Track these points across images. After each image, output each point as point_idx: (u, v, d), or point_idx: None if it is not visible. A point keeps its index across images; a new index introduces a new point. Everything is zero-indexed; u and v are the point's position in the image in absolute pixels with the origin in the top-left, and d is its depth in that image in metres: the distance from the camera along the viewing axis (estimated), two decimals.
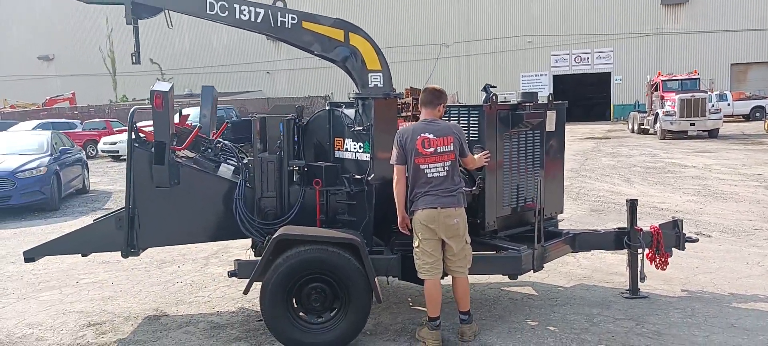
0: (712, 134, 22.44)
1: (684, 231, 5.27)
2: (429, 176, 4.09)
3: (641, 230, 5.11)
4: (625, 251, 5.23)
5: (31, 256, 4.64)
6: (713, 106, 23.12)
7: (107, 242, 4.63)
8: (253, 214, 4.75)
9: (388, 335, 4.51)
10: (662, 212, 8.79)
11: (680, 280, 5.51)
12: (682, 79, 24.30)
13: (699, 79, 24.35)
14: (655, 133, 23.65)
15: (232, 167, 5.07)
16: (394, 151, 4.15)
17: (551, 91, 37.23)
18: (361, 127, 4.66)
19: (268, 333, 4.58)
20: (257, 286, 4.28)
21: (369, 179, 4.60)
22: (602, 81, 40.33)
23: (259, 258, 4.54)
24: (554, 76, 40.86)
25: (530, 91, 5.27)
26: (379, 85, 4.63)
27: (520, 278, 5.01)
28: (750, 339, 4.19)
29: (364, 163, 4.68)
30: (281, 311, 4.24)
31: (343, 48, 4.60)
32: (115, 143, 22.48)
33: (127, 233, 4.53)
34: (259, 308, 5.10)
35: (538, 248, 4.71)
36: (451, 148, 4.10)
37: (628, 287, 5.21)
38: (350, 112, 4.86)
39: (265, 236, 4.69)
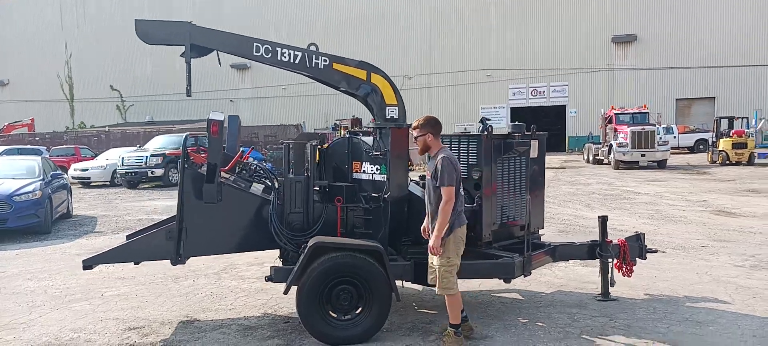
0: (661, 165, 24.07)
1: (646, 243, 6.21)
2: (462, 195, 4.82)
3: (611, 242, 6.03)
4: (597, 261, 6.14)
5: (89, 264, 5.22)
6: (661, 138, 24.82)
7: (158, 251, 5.24)
8: (283, 227, 5.45)
9: (402, 331, 5.25)
10: (622, 232, 9.80)
11: (642, 286, 6.43)
12: (633, 113, 26.00)
13: (648, 112, 26.11)
14: (609, 163, 25.18)
15: (262, 186, 5.78)
16: (451, 174, 4.61)
17: (510, 123, 38.92)
18: (378, 152, 5.46)
19: (297, 332, 5.28)
20: (285, 290, 4.95)
21: (386, 196, 5.39)
22: (558, 113, 42.23)
23: (292, 265, 5.28)
24: (512, 109, 42.59)
25: (518, 123, 6.16)
26: (395, 116, 5.44)
27: (508, 284, 5.85)
28: (702, 329, 5.11)
29: (380, 183, 5.46)
30: (315, 309, 4.95)
31: (366, 85, 5.41)
32: (86, 170, 22.56)
33: (176, 244, 5.17)
34: (282, 313, 5.85)
35: (526, 257, 5.57)
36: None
37: (600, 292, 6.09)
38: (367, 139, 5.67)
39: (295, 245, 5.41)
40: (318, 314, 4.96)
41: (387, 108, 5.44)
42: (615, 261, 6.06)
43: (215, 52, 5.29)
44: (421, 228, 5.06)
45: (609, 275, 6.02)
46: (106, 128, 41.41)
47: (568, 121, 42.14)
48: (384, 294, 4.99)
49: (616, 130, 24.97)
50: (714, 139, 26.89)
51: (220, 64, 5.26)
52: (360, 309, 5.06)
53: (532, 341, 4.92)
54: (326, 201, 5.61)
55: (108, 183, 22.23)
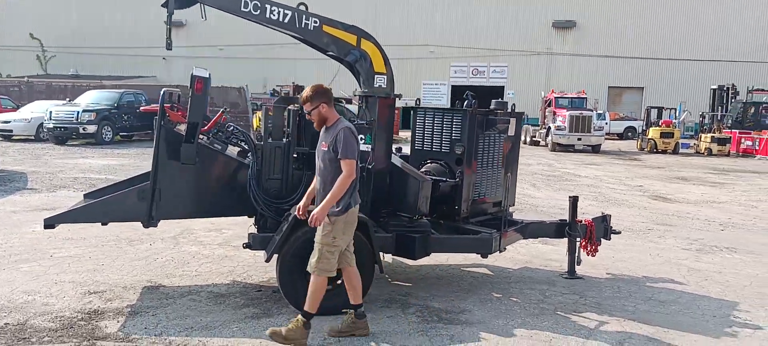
0: (595, 149, 25.05)
1: (611, 225, 6.43)
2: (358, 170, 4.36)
3: (580, 222, 6.20)
4: (564, 239, 6.31)
5: (51, 223, 4.85)
6: (596, 124, 25.79)
7: (130, 212, 4.94)
8: (262, 192, 5.26)
9: (380, 303, 5.21)
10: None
11: (603, 266, 6.66)
12: (571, 98, 26.84)
13: (586, 98, 27.02)
14: (545, 145, 25.96)
15: (237, 150, 5.54)
16: (353, 146, 4.13)
17: (449, 100, 39.39)
18: (364, 122, 5.34)
19: (273, 300, 5.15)
20: (267, 258, 4.79)
21: (370, 166, 5.29)
22: (496, 94, 42.96)
23: (268, 232, 5.13)
24: (453, 86, 43.05)
25: (500, 100, 6.18)
26: (383, 86, 5.33)
27: (478, 259, 5.93)
28: (666, 308, 5.35)
29: (364, 153, 5.34)
30: (296, 278, 4.81)
31: (355, 51, 5.26)
32: (8, 122, 21.09)
33: (149, 205, 4.88)
34: (252, 281, 5.69)
35: (503, 233, 5.64)
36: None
37: (566, 270, 6.27)
38: (352, 107, 5.54)
39: (275, 212, 5.24)
40: (299, 283, 4.83)
41: (375, 76, 5.32)
42: (581, 241, 6.24)
43: (199, 4, 4.97)
44: (297, 207, 4.48)
45: (576, 254, 6.20)
46: (26, 79, 38.76)
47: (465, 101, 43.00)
48: (367, 266, 4.91)
49: (555, 113, 25.71)
50: (644, 128, 28.19)
51: (204, 18, 4.94)
52: (341, 280, 4.97)
53: (509, 316, 5.00)
54: (306, 169, 5.46)
55: (32, 137, 20.88)
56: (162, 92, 4.96)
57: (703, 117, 29.46)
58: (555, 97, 26.76)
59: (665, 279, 6.30)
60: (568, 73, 41.56)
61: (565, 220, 6.35)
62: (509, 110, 6.16)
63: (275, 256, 4.81)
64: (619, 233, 6.65)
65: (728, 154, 25.42)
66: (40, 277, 5.64)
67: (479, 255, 5.63)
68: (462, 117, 5.66)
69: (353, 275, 4.50)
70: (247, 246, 5.10)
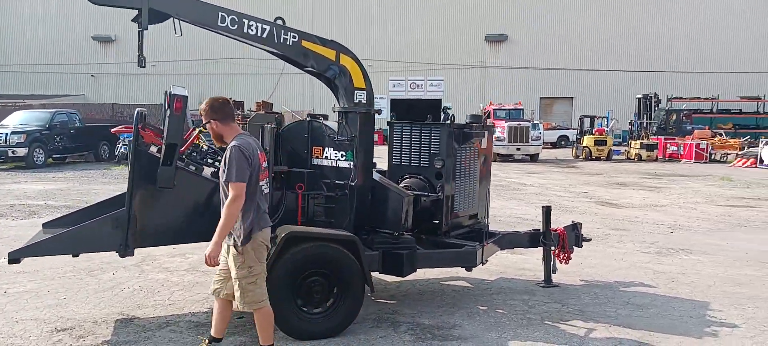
0: (534, 158, 25.81)
1: (582, 233, 6.59)
2: (265, 192, 4.03)
3: (554, 231, 6.32)
4: (534, 249, 6.42)
5: (16, 256, 4.48)
6: (534, 134, 26.59)
7: (103, 242, 4.63)
8: None
9: (370, 322, 5.11)
10: (527, 221, 10.35)
11: (573, 273, 6.80)
12: (509, 109, 27.58)
13: (522, 109, 27.83)
14: None
15: (212, 170, 5.32)
16: (241, 167, 3.70)
17: (390, 113, 39.62)
18: (344, 138, 5.25)
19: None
20: None
21: (353, 184, 5.20)
22: (435, 107, 43.66)
23: None
24: (392, 100, 43.37)
25: (475, 113, 6.23)
26: (363, 101, 5.26)
27: (465, 272, 5.94)
28: (644, 312, 5.52)
29: (345, 170, 5.26)
30: (287, 302, 4.65)
31: (334, 66, 5.17)
32: None
33: (125, 233, 4.60)
34: (234, 309, 5.44)
35: (485, 245, 5.67)
36: (266, 166, 4.12)
37: (542, 279, 6.37)
38: (330, 123, 5.44)
39: None
40: (289, 308, 4.67)
41: (355, 92, 5.25)
42: (555, 249, 6.36)
43: (171, 19, 4.75)
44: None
45: (552, 263, 6.31)
46: None
47: (443, 114, 43.77)
48: (358, 286, 4.82)
49: (494, 125, 26.28)
50: (578, 136, 29.29)
51: (180, 33, 4.72)
52: (331, 302, 4.84)
53: (500, 328, 5.02)
54: (285, 188, 5.31)
55: None
56: (136, 112, 4.70)
57: (632, 125, 30.90)
58: (493, 110, 27.42)
59: (636, 283, 6.50)
60: (501, 86, 42.71)
61: (538, 230, 6.45)
62: (483, 124, 6.23)
63: None
64: (590, 240, 6.84)
65: (656, 160, 26.78)
66: None
67: (464, 268, 5.62)
68: (441, 131, 5.66)
69: (226, 308, 4.18)
70: None
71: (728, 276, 6.82)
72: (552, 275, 6.33)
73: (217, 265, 3.84)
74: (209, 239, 5.32)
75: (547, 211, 6.37)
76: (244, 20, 4.83)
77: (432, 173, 5.70)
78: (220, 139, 4.00)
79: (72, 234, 4.54)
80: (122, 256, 4.70)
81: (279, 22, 5.05)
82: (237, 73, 42.28)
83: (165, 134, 4.55)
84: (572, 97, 43.53)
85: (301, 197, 5.30)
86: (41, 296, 5.79)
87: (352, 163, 5.23)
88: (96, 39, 45.70)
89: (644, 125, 31.16)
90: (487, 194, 6.47)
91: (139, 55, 4.77)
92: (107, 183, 15.07)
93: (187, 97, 4.58)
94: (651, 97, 33.01)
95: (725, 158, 26.51)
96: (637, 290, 6.22)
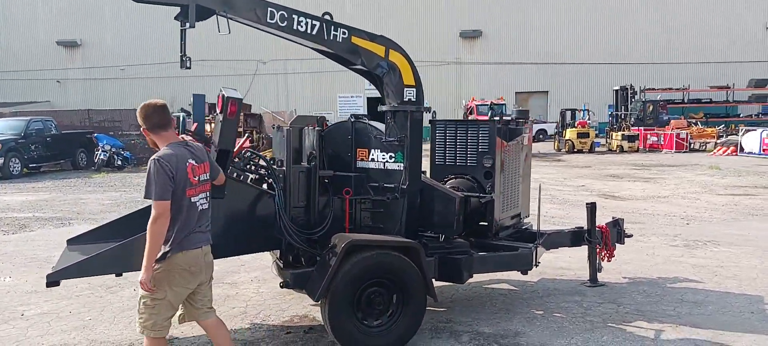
0: None
1: (624, 228, 6.42)
2: (199, 209, 3.52)
3: (598, 228, 6.13)
4: (579, 247, 6.22)
5: (55, 279, 4.05)
6: None
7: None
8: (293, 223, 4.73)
9: (427, 333, 4.83)
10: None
11: (613, 270, 6.63)
12: (491, 104, 27.54)
13: (505, 104, 27.84)
14: None
15: (255, 177, 4.98)
16: (162, 183, 3.29)
17: (367, 112, 39.32)
18: (393, 138, 4.94)
19: (312, 342, 4.63)
20: (318, 296, 4.28)
21: (404, 187, 4.90)
22: None
23: (297, 267, 4.64)
24: (368, 99, 43.04)
25: (522, 108, 5.99)
26: (413, 99, 4.97)
27: (523, 275, 5.70)
28: (703, 309, 5.36)
29: (394, 173, 4.95)
30: (348, 316, 4.34)
31: (384, 63, 4.86)
32: None
33: None
34: (274, 323, 5.13)
35: (537, 246, 5.45)
36: (208, 177, 3.65)
37: (588, 278, 6.17)
38: (376, 124, 5.13)
39: (309, 244, 4.74)
40: (351, 322, 4.36)
41: (405, 89, 4.95)
42: (600, 247, 6.17)
43: (215, 16, 4.38)
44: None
45: (597, 261, 6.12)
46: None
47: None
48: (420, 296, 4.53)
49: (476, 119, 26.28)
50: (559, 129, 29.42)
51: (228, 31, 4.34)
52: (392, 313, 4.54)
53: (565, 334, 4.79)
54: (332, 194, 4.99)
55: None
56: (181, 117, 4.31)
57: (613, 117, 31.16)
58: (476, 105, 27.36)
59: (680, 278, 6.36)
60: (477, 81, 42.80)
61: (581, 227, 6.26)
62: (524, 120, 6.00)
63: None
64: (631, 236, 6.66)
65: (638, 150, 27.05)
66: (20, 342, 4.76)
67: (520, 272, 5.37)
68: (489, 128, 5.40)
69: (215, 329, 3.76)
70: (285, 285, 4.56)
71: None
72: (598, 273, 6.13)
73: (153, 291, 3.39)
74: (255, 251, 5.06)
75: (591, 208, 6.17)
76: (294, 16, 4.50)
77: (480, 173, 5.45)
78: (157, 147, 3.60)
79: (121, 250, 4.11)
80: None
81: (327, 16, 4.72)
82: (209, 74, 41.40)
83: (216, 140, 4.18)
84: (547, 91, 43.86)
85: (349, 202, 4.99)
86: (63, 317, 5.35)
87: (402, 164, 4.93)
88: (61, 44, 44.28)
89: (623, 116, 31.48)
90: (528, 191, 6.24)
91: (182, 56, 4.40)
92: (93, 192, 14.42)
93: (242, 99, 4.23)
94: (628, 88, 33.37)
95: (704, 147, 26.93)
96: (686, 286, 6.07)
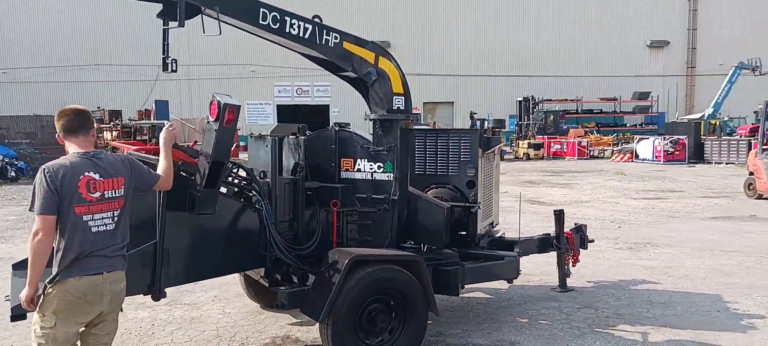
0: None
1: (587, 234, 6.57)
2: (94, 230, 3.01)
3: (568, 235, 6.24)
4: (545, 253, 6.30)
5: (22, 312, 3.45)
6: None
7: (132, 283, 3.72)
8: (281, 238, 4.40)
9: None
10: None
11: (575, 275, 6.67)
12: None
13: (420, 113, 28.26)
14: None
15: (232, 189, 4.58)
16: (44, 195, 2.90)
17: (276, 119, 38.57)
18: (381, 148, 4.74)
19: None
20: (322, 316, 3.99)
21: (395, 198, 4.71)
22: (321, 113, 43.12)
23: (281, 285, 4.35)
24: (278, 106, 42.21)
25: (498, 118, 5.98)
26: (402, 107, 4.80)
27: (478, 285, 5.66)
28: (673, 309, 5.58)
29: (382, 184, 4.75)
30: (351, 335, 4.08)
31: (374, 70, 4.66)
32: None
33: (154, 271, 3.76)
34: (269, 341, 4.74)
35: (520, 254, 5.44)
36: (122, 194, 3.11)
37: (557, 284, 6.25)
38: (360, 132, 4.92)
39: (299, 260, 4.43)
40: (354, 343, 4.10)
41: (394, 98, 4.77)
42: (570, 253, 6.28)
43: (200, 17, 3.99)
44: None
45: (565, 266, 6.21)
46: None
47: (331, 119, 43.35)
48: (422, 311, 4.35)
49: None
50: None
51: (219, 32, 3.95)
52: (393, 331, 4.32)
53: (557, 341, 4.82)
54: (318, 206, 4.71)
55: None
56: (164, 126, 3.86)
57: (517, 126, 32.52)
58: None
59: (638, 280, 6.61)
60: None
61: (548, 234, 6.34)
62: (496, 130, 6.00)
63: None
64: (593, 241, 6.83)
65: (543, 158, 28.39)
66: None
67: (506, 281, 5.33)
68: (472, 137, 5.33)
69: None
70: (281, 306, 4.22)
71: (711, 267, 7.16)
72: (567, 278, 6.23)
73: (32, 308, 3.01)
74: (240, 269, 4.66)
75: (559, 215, 6.26)
76: (286, 18, 4.19)
77: (462, 182, 5.36)
78: None
79: None
80: (156, 299, 3.85)
81: (317, 20, 4.44)
82: (106, 80, 38.96)
83: (210, 150, 3.78)
84: (453, 102, 45.08)
85: (337, 215, 4.72)
86: None
87: (391, 175, 4.73)
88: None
89: (526, 126, 32.96)
90: (498, 200, 6.24)
91: (164, 58, 4.00)
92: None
93: (240, 107, 3.86)
94: (529, 99, 35.05)
95: (603, 154, 28.72)
96: (647, 288, 6.31)
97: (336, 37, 4.47)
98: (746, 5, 42.58)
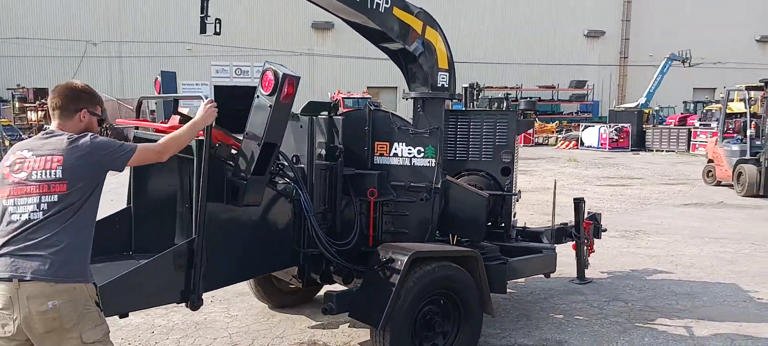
0: None
1: (600, 223, 6.38)
2: (12, 219, 2.37)
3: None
4: (561, 244, 6.04)
5: None
6: None
7: (163, 290, 3.12)
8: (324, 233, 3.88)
9: None
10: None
11: (592, 267, 6.50)
12: (358, 98, 27.36)
13: (370, 97, 27.77)
14: None
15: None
16: None
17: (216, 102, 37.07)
18: (423, 130, 4.29)
19: None
20: (383, 323, 3.53)
21: (438, 186, 4.28)
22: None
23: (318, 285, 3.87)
24: (216, 87, 40.53)
25: (530, 99, 5.63)
26: (446, 85, 4.35)
27: None
28: (700, 301, 5.45)
29: (422, 170, 4.31)
30: (408, 342, 3.65)
31: (421, 41, 4.18)
32: None
33: (195, 274, 3.16)
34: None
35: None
36: (59, 176, 2.39)
37: (576, 276, 6.02)
38: (391, 111, 4.47)
39: (345, 258, 3.93)
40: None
41: (439, 74, 4.31)
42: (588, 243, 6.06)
43: None
44: None
45: (584, 257, 5.99)
46: None
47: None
48: (477, 312, 3.96)
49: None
50: None
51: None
52: (448, 335, 3.91)
53: (605, 338, 4.56)
54: (353, 195, 4.21)
55: None
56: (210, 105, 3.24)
57: None
58: (342, 98, 26.97)
59: (650, 270, 6.48)
60: (330, 74, 42.46)
61: (566, 224, 6.10)
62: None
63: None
64: (606, 230, 6.63)
65: None
66: None
67: (544, 275, 5.02)
68: (509, 120, 4.95)
69: None
70: (328, 311, 3.69)
71: (712, 255, 7.15)
72: (585, 269, 6.01)
73: None
74: (276, 269, 4.10)
75: (579, 203, 6.02)
76: None
77: (497, 168, 4.98)
78: None
79: (121, 283, 2.94)
80: (194, 308, 3.25)
81: None
82: (27, 55, 36.17)
83: (262, 131, 3.21)
84: (396, 87, 44.79)
85: (374, 205, 4.24)
86: None
87: (433, 160, 4.29)
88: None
89: None
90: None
91: (202, 17, 3.40)
92: None
93: (299, 78, 3.31)
94: (474, 86, 35.21)
95: (547, 141, 29.23)
96: (663, 278, 6.19)
97: (387, 2, 3.95)
98: None
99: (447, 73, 4.36)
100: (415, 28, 4.15)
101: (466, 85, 35.32)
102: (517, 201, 5.10)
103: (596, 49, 46.36)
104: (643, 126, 26.75)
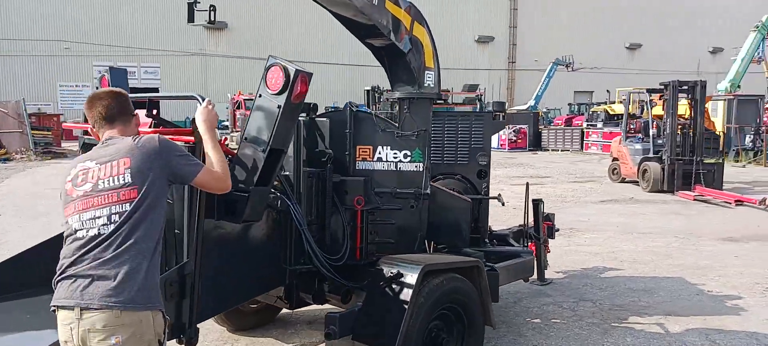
0: None
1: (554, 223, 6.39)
2: (78, 236, 2.08)
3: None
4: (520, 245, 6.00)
5: None
6: None
7: (151, 322, 2.57)
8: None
9: None
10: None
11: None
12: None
13: None
14: None
15: None
16: None
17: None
18: (410, 133, 4.01)
19: None
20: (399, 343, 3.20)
21: (427, 192, 4.01)
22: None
23: (347, 306, 3.49)
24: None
25: (500, 101, 5.46)
26: (432, 85, 4.09)
27: None
28: (658, 296, 5.58)
29: (412, 175, 4.03)
30: None
31: (409, 38, 3.88)
32: None
33: (191, 305, 2.65)
34: None
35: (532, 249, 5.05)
36: (129, 180, 2.09)
37: (536, 277, 5.96)
38: (381, 114, 4.14)
39: (340, 274, 3.54)
40: None
41: (425, 73, 4.04)
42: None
43: None
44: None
45: (543, 258, 5.96)
46: None
47: (162, 103, 39.90)
48: (480, 323, 3.73)
49: (246, 115, 24.92)
50: None
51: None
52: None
53: (587, 341, 4.49)
54: (341, 203, 3.84)
55: None
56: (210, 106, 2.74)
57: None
58: (244, 100, 26.01)
59: (600, 268, 6.60)
60: (224, 75, 40.87)
61: (522, 225, 6.04)
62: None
63: None
64: (559, 230, 6.66)
65: None
66: None
67: (523, 280, 4.89)
68: (485, 121, 4.78)
69: None
70: (331, 336, 3.28)
71: (647, 250, 7.45)
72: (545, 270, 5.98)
73: None
74: (263, 291, 3.61)
75: (538, 204, 5.97)
76: None
77: (472, 172, 4.80)
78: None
79: None
80: (186, 343, 2.72)
81: None
82: None
83: (267, 135, 2.76)
84: None
85: (361, 214, 3.88)
86: None
87: (421, 164, 4.02)
88: None
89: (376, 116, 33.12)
90: None
91: (191, 3, 2.95)
92: None
93: (312, 75, 2.88)
94: (376, 89, 35.31)
95: None
96: (615, 275, 6.32)
97: None
98: (561, 5, 47.15)
99: (433, 72, 4.10)
100: (404, 23, 3.85)
101: (368, 88, 35.44)
102: (503, 205, 4.94)
103: (486, 54, 48.20)
104: (539, 127, 28.04)
